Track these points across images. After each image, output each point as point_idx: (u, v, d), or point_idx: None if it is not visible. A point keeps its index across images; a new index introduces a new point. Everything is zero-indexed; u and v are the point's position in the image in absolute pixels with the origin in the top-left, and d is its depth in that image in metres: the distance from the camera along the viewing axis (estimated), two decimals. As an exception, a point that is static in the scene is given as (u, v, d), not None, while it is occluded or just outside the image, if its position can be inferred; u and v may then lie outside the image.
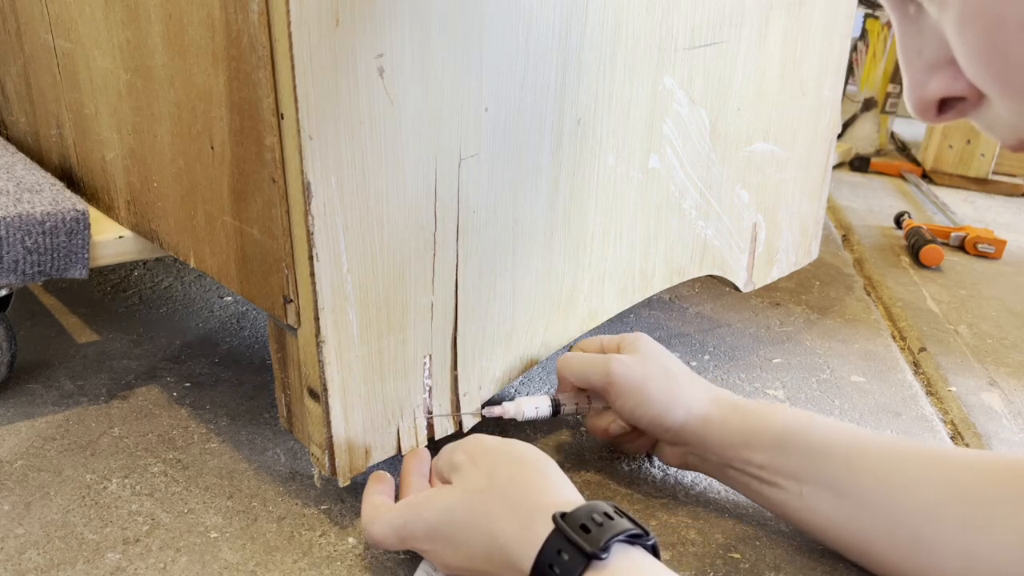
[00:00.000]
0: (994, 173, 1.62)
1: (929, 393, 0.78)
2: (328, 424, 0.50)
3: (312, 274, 0.46)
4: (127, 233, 0.64)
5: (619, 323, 0.88)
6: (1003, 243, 1.21)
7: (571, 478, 0.47)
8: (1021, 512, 0.44)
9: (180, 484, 0.57)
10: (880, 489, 0.48)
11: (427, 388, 0.55)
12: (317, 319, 0.47)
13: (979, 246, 1.21)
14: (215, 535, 0.52)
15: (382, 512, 0.48)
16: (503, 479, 0.44)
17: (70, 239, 0.60)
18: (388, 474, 0.53)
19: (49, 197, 0.62)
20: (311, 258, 0.45)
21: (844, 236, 1.27)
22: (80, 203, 0.61)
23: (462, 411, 0.57)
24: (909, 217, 1.30)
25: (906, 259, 1.18)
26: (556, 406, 0.60)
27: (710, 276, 0.77)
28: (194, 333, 0.81)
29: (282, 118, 0.43)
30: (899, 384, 0.79)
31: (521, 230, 0.56)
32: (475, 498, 0.44)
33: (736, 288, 0.80)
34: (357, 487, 0.55)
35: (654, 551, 0.41)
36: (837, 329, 0.91)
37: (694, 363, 0.80)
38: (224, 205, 0.51)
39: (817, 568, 0.53)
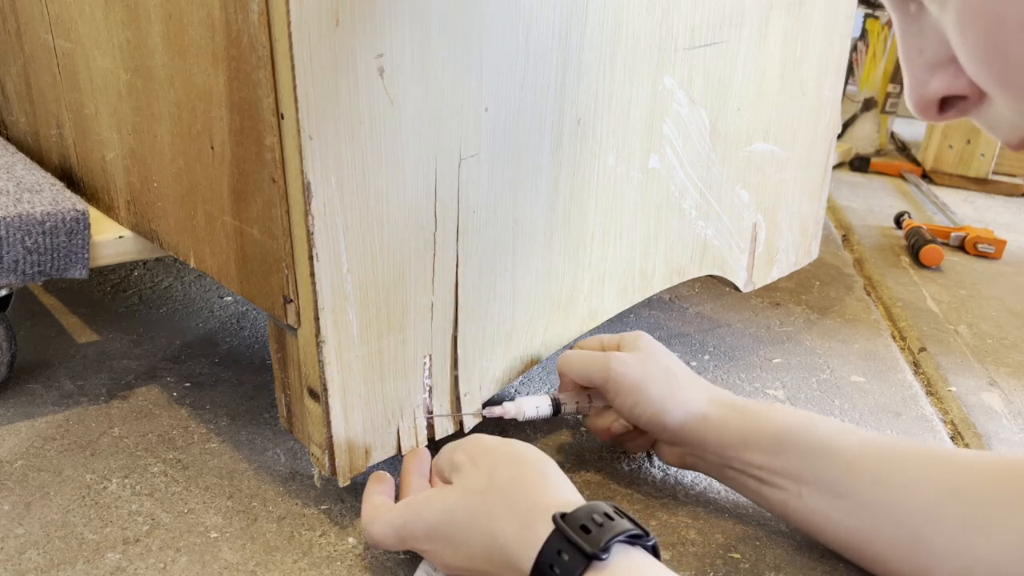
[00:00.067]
0: (994, 173, 1.62)
1: (929, 393, 0.78)
2: (328, 424, 0.50)
3: (312, 274, 0.46)
4: (127, 233, 0.64)
5: (619, 323, 0.88)
6: (1003, 243, 1.21)
7: (571, 478, 0.47)
8: (1021, 512, 0.44)
9: (180, 484, 0.57)
10: (879, 489, 0.48)
11: (427, 388, 0.55)
12: (317, 319, 0.47)
13: (979, 246, 1.21)
14: (215, 535, 0.52)
15: (382, 512, 0.48)
16: (503, 479, 0.44)
17: (70, 239, 0.60)
18: (388, 474, 0.53)
19: (49, 197, 0.62)
20: (311, 258, 0.45)
21: (844, 236, 1.27)
22: (80, 203, 0.61)
23: (462, 411, 0.57)
24: (909, 217, 1.30)
25: (906, 259, 1.18)
26: (557, 405, 0.60)
27: (710, 276, 0.77)
28: (194, 333, 0.81)
29: (282, 118, 0.43)
30: (899, 384, 0.79)
31: (521, 230, 0.56)
32: (475, 498, 0.44)
33: (736, 288, 0.80)
34: (357, 487, 0.55)
35: (654, 551, 0.41)
36: (837, 329, 0.91)
37: (694, 363, 0.80)
38: (224, 205, 0.51)
39: (817, 568, 0.53)
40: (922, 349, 0.87)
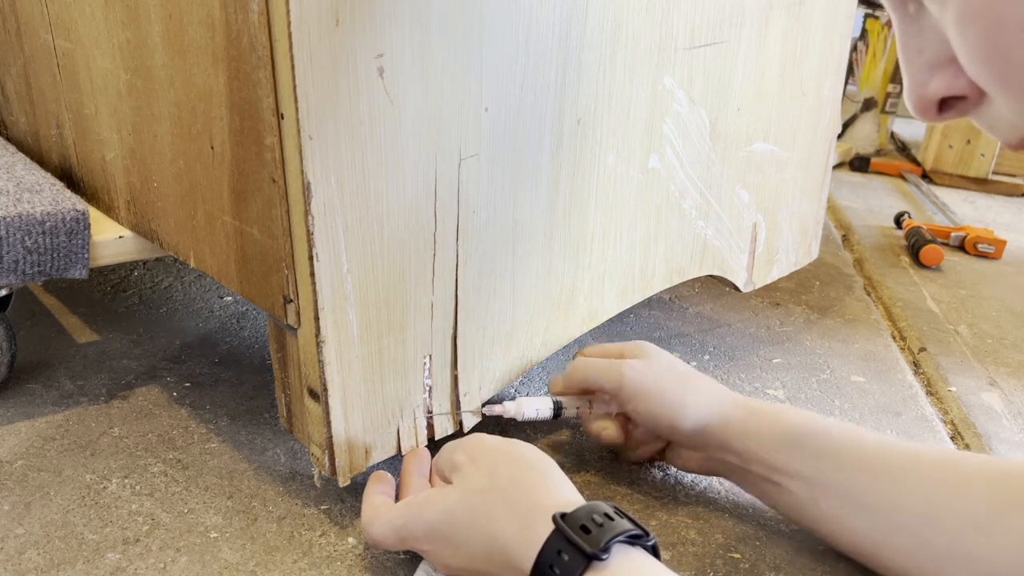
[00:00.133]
0: (994, 173, 1.62)
1: (929, 393, 0.78)
2: (328, 424, 0.50)
3: (312, 274, 0.46)
4: (127, 233, 0.64)
5: (619, 323, 0.88)
6: (1003, 243, 1.21)
7: (571, 478, 0.47)
8: (1021, 515, 0.44)
9: (180, 484, 0.57)
10: (880, 490, 0.48)
11: (427, 388, 0.55)
12: (317, 319, 0.47)
13: (979, 246, 1.21)
14: (215, 535, 0.52)
15: (382, 512, 0.48)
16: (503, 479, 0.44)
17: (70, 239, 0.60)
18: (388, 474, 0.53)
19: (49, 197, 0.62)
20: (311, 258, 0.45)
21: (844, 236, 1.27)
22: (80, 203, 0.61)
23: (463, 408, 0.57)
24: (909, 217, 1.30)
25: (906, 259, 1.18)
26: (557, 409, 0.60)
27: (710, 276, 0.77)
28: (194, 333, 0.81)
29: (282, 118, 0.43)
30: (899, 384, 0.79)
31: (521, 230, 0.56)
32: (475, 498, 0.44)
33: (736, 288, 0.80)
34: (357, 487, 0.55)
35: (654, 551, 0.41)
36: (837, 329, 0.91)
37: (694, 363, 0.80)
38: (224, 205, 0.51)
39: (817, 568, 0.53)
40: (922, 349, 0.87)
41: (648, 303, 0.94)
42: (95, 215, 0.67)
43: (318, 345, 0.48)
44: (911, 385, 0.79)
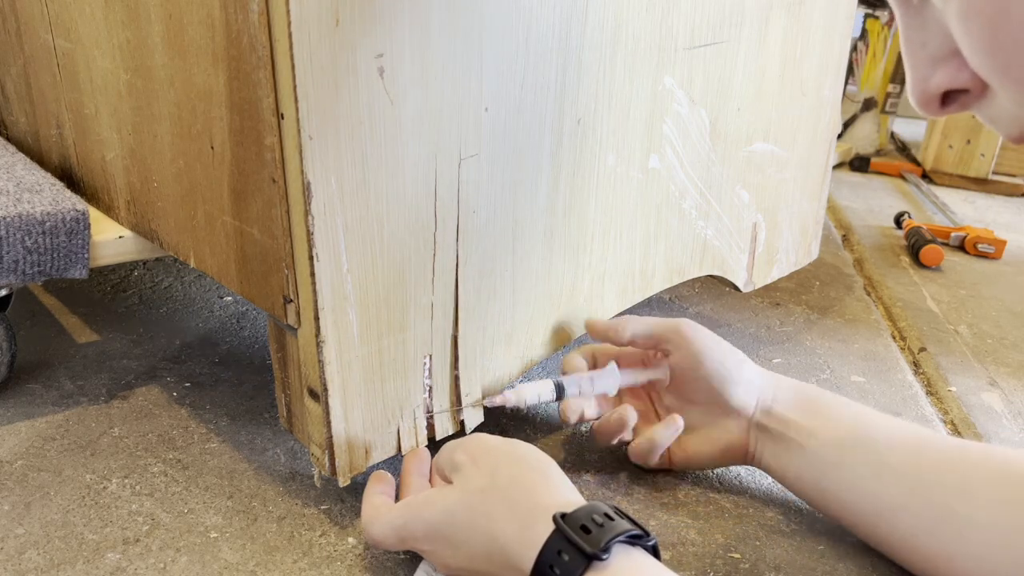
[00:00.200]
0: (994, 173, 1.62)
1: (929, 393, 0.78)
2: (328, 424, 0.50)
3: (312, 274, 0.46)
4: (127, 233, 0.64)
5: (619, 323, 0.88)
6: (1003, 243, 1.21)
7: (571, 478, 0.47)
8: None
9: (180, 484, 0.57)
10: (920, 463, 0.50)
11: (427, 388, 0.55)
12: (317, 319, 0.47)
13: (979, 246, 1.21)
14: (215, 535, 0.52)
15: (382, 512, 0.48)
16: (504, 479, 0.44)
17: (70, 239, 0.60)
18: (388, 474, 0.53)
19: (49, 197, 0.62)
20: (311, 258, 0.45)
21: (844, 236, 1.27)
22: (80, 203, 0.61)
23: (464, 407, 0.57)
24: (909, 217, 1.30)
25: (906, 259, 1.18)
26: (559, 389, 0.58)
27: (710, 276, 0.77)
28: (194, 333, 0.81)
29: (282, 118, 0.43)
30: (899, 384, 0.79)
31: (521, 230, 0.56)
32: (475, 498, 0.44)
33: (736, 288, 0.80)
34: (357, 487, 0.55)
35: (654, 552, 0.41)
36: (837, 329, 0.91)
37: (694, 363, 0.80)
38: (224, 205, 0.51)
39: (817, 568, 0.53)
40: (922, 349, 0.87)
41: (648, 303, 0.94)
42: (95, 215, 0.67)
43: (318, 345, 0.48)
44: (911, 385, 0.79)
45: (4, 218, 0.57)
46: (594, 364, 0.62)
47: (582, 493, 0.46)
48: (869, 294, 1.03)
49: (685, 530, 0.56)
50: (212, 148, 0.50)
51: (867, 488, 0.51)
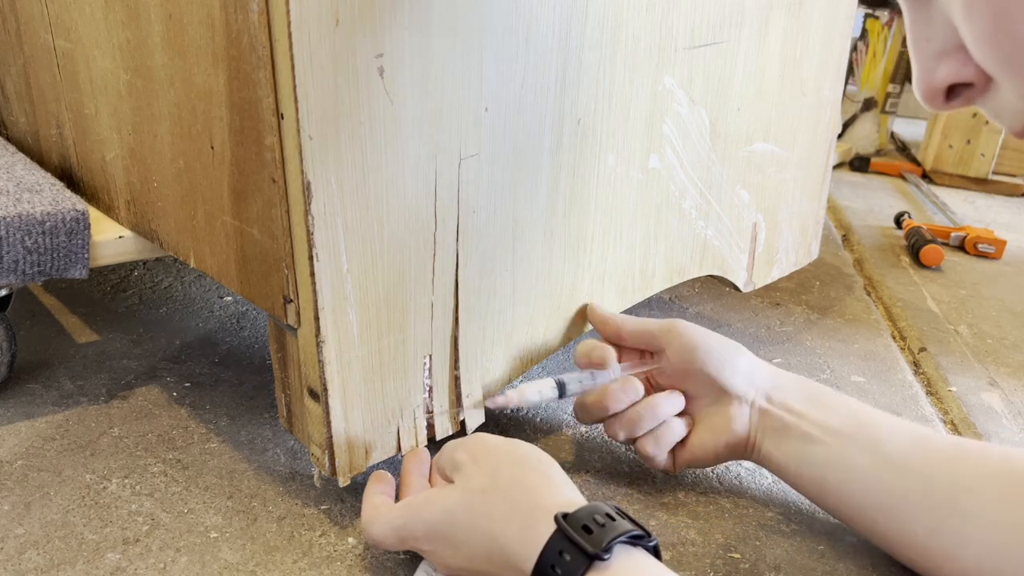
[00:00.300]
0: (994, 173, 1.62)
1: (929, 393, 0.78)
2: (328, 424, 0.50)
3: (312, 274, 0.46)
4: (127, 233, 0.64)
5: (619, 323, 0.88)
6: (1003, 243, 1.21)
7: (571, 478, 0.47)
8: None
9: (180, 484, 0.57)
10: (922, 458, 0.50)
11: (427, 388, 0.55)
12: (317, 319, 0.47)
13: (979, 246, 1.21)
14: (215, 535, 0.52)
15: (382, 512, 0.48)
16: (505, 479, 0.44)
17: (70, 239, 0.60)
18: (388, 474, 0.52)
19: (49, 197, 0.62)
20: (311, 258, 0.45)
21: (844, 236, 1.27)
22: (80, 203, 0.61)
23: (464, 408, 0.57)
24: (909, 217, 1.30)
25: (906, 259, 1.18)
26: (561, 387, 0.58)
27: (710, 276, 0.77)
28: (194, 333, 0.81)
29: (282, 118, 0.43)
30: (899, 384, 0.79)
31: (521, 230, 0.56)
32: (476, 498, 0.44)
33: (736, 288, 0.80)
34: (357, 487, 0.55)
35: (656, 552, 0.41)
36: (837, 329, 0.91)
37: (694, 363, 0.80)
38: (224, 205, 0.51)
39: (817, 568, 0.53)
40: (922, 349, 0.87)
41: (648, 303, 0.94)
42: (95, 215, 0.67)
43: (318, 345, 0.48)
44: (911, 385, 0.79)
45: (4, 218, 0.57)
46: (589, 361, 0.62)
47: (583, 493, 0.46)
48: (869, 294, 1.03)
49: (685, 530, 0.56)
50: (212, 148, 0.50)
51: (867, 481, 0.51)
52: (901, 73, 1.75)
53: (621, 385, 0.57)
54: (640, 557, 0.40)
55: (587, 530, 0.40)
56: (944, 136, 1.63)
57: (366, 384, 0.51)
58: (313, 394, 0.50)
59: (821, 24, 0.76)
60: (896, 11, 1.65)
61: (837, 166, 1.73)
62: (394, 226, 0.48)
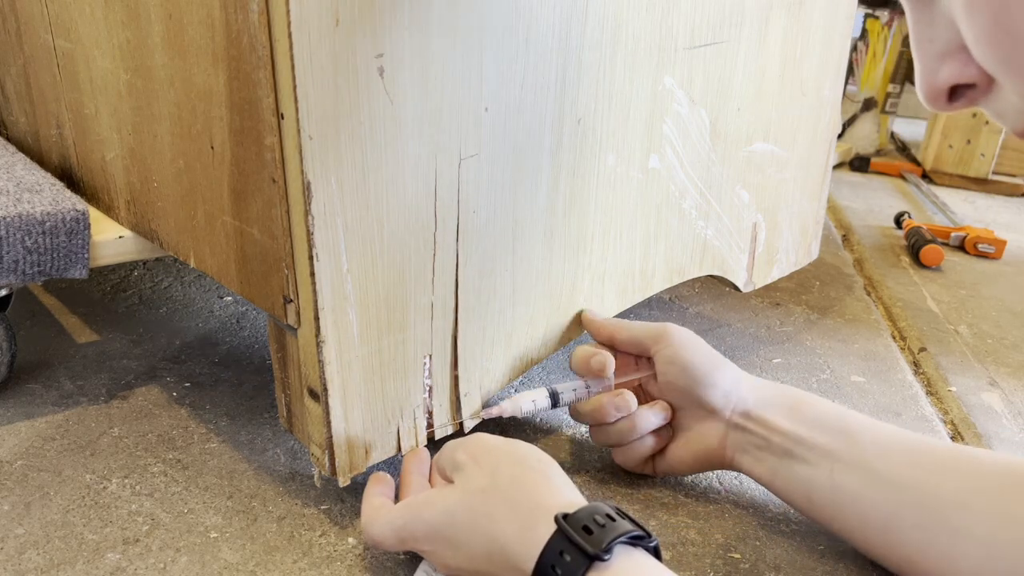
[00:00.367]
0: (994, 173, 1.62)
1: (929, 393, 0.78)
2: (328, 424, 0.50)
3: (312, 274, 0.46)
4: (127, 233, 0.64)
5: (619, 323, 0.88)
6: (1003, 243, 1.21)
7: (571, 478, 0.47)
8: None
9: (180, 484, 0.57)
10: (912, 473, 0.49)
11: (427, 388, 0.55)
12: (317, 319, 0.47)
13: (979, 246, 1.21)
14: (215, 535, 0.52)
15: (382, 513, 0.48)
16: (505, 479, 0.44)
17: (70, 239, 0.60)
18: (388, 475, 0.52)
19: (49, 197, 0.62)
20: (311, 258, 0.45)
21: (844, 236, 1.27)
22: (80, 203, 0.61)
23: (462, 411, 0.57)
24: (909, 217, 1.30)
25: (906, 259, 1.18)
26: (554, 397, 0.59)
27: (710, 276, 0.77)
28: (194, 333, 0.81)
29: (282, 118, 0.43)
30: (899, 384, 0.79)
31: (521, 230, 0.56)
32: (476, 499, 0.44)
33: (736, 288, 0.80)
34: (357, 487, 0.55)
35: (656, 552, 0.41)
36: (837, 329, 0.91)
37: (694, 363, 0.80)
38: (224, 205, 0.51)
39: (817, 568, 0.53)
40: (922, 349, 0.87)
41: (648, 303, 0.94)
42: (95, 215, 0.67)
43: (318, 345, 0.48)
44: (911, 385, 0.79)
45: (4, 218, 0.57)
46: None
47: (583, 493, 0.46)
48: (869, 294, 1.03)
49: (685, 530, 0.56)
50: (212, 148, 0.50)
51: (857, 502, 0.50)
52: (901, 73, 1.75)
53: (613, 400, 0.58)
54: (640, 557, 0.40)
55: (587, 530, 0.40)
56: (944, 136, 1.63)
57: (366, 384, 0.51)
58: (313, 394, 0.50)
59: (821, 24, 0.76)
60: (896, 11, 1.65)
61: (837, 166, 1.73)
62: (394, 226, 0.48)
